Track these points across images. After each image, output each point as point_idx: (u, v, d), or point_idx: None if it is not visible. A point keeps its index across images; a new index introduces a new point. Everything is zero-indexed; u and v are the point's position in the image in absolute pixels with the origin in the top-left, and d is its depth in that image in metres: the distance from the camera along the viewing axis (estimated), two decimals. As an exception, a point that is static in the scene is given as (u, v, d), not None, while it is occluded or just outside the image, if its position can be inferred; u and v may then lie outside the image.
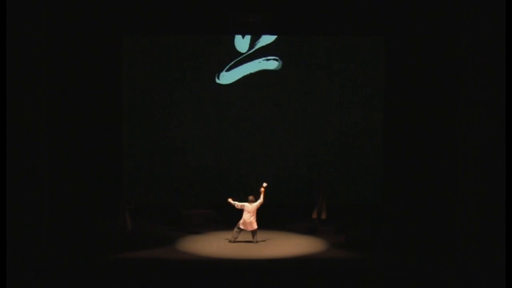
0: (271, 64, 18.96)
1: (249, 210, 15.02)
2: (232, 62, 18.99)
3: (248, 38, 18.96)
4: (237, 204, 15.14)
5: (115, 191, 17.13)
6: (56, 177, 14.68)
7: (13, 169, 12.45)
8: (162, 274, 12.57)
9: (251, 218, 15.03)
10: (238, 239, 15.17)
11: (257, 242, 15.13)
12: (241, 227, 15.07)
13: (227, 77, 19.04)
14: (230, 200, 15.18)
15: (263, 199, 15.14)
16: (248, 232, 15.16)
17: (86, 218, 16.55)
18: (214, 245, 15.13)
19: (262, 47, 18.97)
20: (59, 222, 14.68)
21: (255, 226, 15.08)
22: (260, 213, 15.22)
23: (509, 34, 12.07)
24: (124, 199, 15.59)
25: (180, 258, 13.90)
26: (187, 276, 12.56)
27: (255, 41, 18.96)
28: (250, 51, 18.98)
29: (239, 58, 18.97)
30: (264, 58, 19.00)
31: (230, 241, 15.16)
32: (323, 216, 16.73)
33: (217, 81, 19.03)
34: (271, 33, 18.81)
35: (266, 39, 18.94)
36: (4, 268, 10.93)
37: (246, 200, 15.19)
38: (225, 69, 18.99)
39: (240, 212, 15.19)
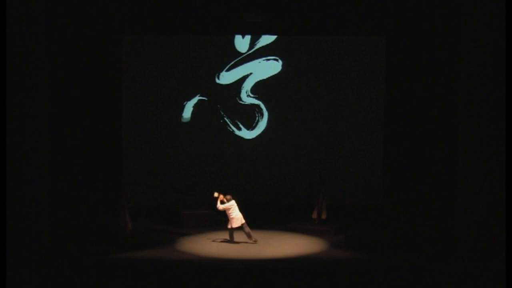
0: (274, 67, 18.99)
1: (230, 208, 15.01)
2: (232, 62, 19.00)
3: (248, 38, 18.96)
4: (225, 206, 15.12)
5: (115, 191, 17.12)
6: (56, 177, 14.69)
7: (13, 169, 12.46)
8: (162, 274, 12.56)
9: (236, 215, 15.01)
10: (237, 239, 15.18)
11: (254, 241, 15.09)
12: (229, 226, 15.05)
13: (227, 77, 19.04)
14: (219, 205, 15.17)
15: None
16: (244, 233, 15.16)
17: (86, 218, 16.55)
18: (214, 245, 15.13)
19: (262, 47, 18.98)
20: (59, 222, 14.69)
21: (243, 220, 15.05)
22: (260, 213, 15.22)
23: (509, 34, 12.07)
24: (124, 198, 15.60)
25: (180, 258, 13.90)
26: (187, 276, 12.55)
27: (255, 41, 18.96)
28: (250, 51, 18.99)
29: (239, 58, 18.98)
30: (264, 58, 19.01)
31: (230, 241, 15.18)
32: (323, 216, 16.73)
33: (217, 81, 19.04)
34: (271, 33, 18.80)
35: (266, 39, 18.94)
36: (4, 268, 10.93)
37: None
38: (225, 69, 19.00)
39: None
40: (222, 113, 19.08)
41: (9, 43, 12.27)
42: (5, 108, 12.13)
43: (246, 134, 19.16)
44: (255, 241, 15.12)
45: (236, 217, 15.01)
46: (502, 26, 12.21)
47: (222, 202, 15.06)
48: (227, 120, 19.09)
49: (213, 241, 15.40)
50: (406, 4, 16.55)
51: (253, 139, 19.15)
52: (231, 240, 15.13)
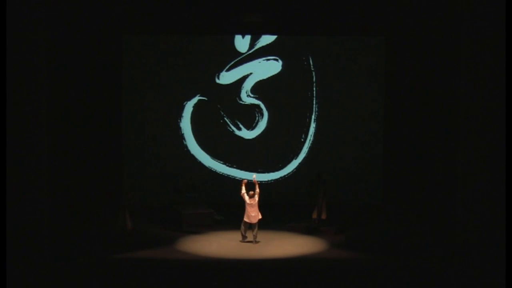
0: (274, 67, 18.99)
1: (252, 204, 15.04)
2: (232, 62, 18.99)
3: (248, 38, 18.96)
4: (245, 193, 15.17)
5: (115, 191, 17.12)
6: (56, 176, 14.67)
7: (13, 169, 12.45)
8: (162, 274, 12.57)
9: (255, 212, 15.06)
10: (237, 238, 15.18)
11: (256, 242, 15.12)
12: (246, 220, 15.06)
13: (227, 77, 19.05)
14: (243, 191, 15.20)
15: (259, 189, 15.22)
16: (249, 233, 15.15)
17: (86, 218, 16.54)
18: (214, 245, 15.13)
19: (262, 47, 18.98)
20: (59, 222, 14.68)
21: (260, 216, 15.10)
22: (261, 213, 15.23)
23: (509, 34, 12.07)
24: (124, 198, 15.60)
25: (180, 258, 13.91)
26: (187, 276, 12.55)
27: (255, 41, 18.96)
28: (250, 51, 18.98)
29: (239, 58, 18.98)
30: (264, 58, 19.01)
31: (241, 241, 15.17)
32: (323, 216, 16.74)
33: (217, 81, 19.04)
34: (271, 33, 18.81)
35: (266, 39, 18.94)
36: (4, 268, 10.92)
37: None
38: (225, 69, 19.00)
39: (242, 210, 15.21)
40: (222, 113, 19.08)
41: (9, 43, 12.26)
42: (5, 108, 12.13)
43: (246, 134, 19.16)
44: (257, 242, 15.13)
45: (249, 215, 15.03)
46: (502, 26, 12.20)
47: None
48: (227, 120, 19.09)
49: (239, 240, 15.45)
50: (406, 4, 16.54)
51: (253, 139, 19.16)
52: (242, 238, 15.20)
